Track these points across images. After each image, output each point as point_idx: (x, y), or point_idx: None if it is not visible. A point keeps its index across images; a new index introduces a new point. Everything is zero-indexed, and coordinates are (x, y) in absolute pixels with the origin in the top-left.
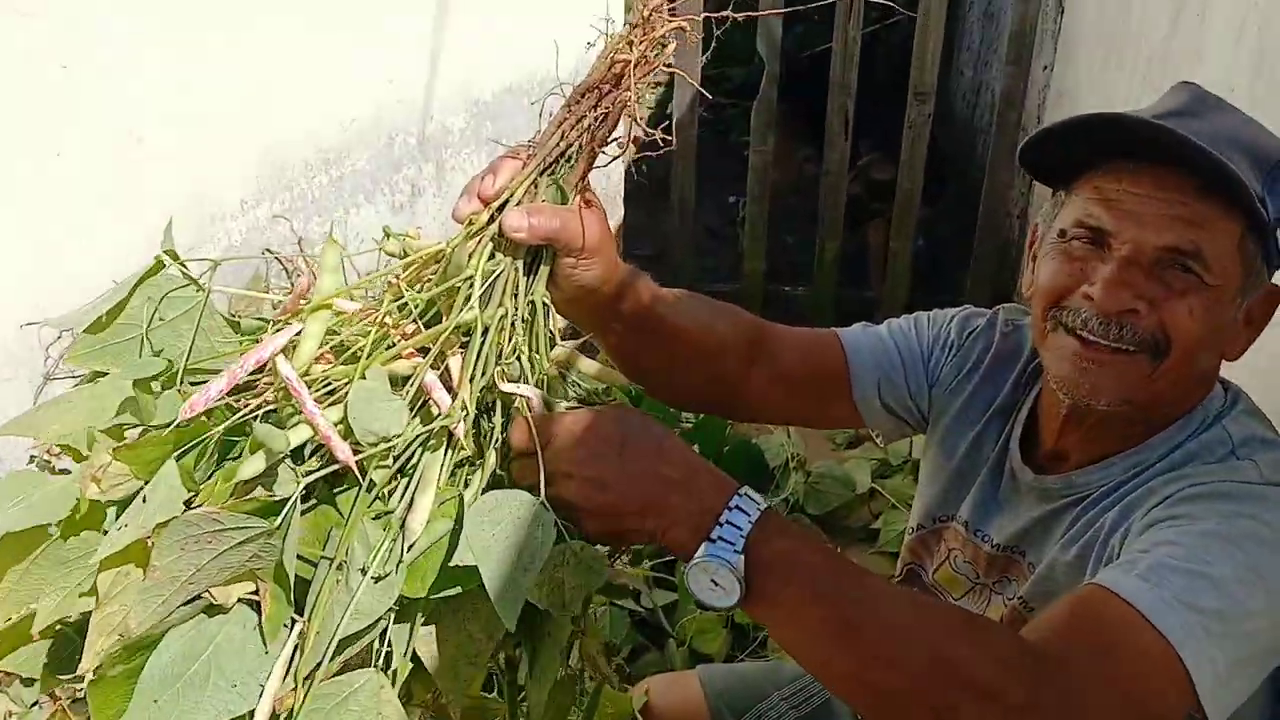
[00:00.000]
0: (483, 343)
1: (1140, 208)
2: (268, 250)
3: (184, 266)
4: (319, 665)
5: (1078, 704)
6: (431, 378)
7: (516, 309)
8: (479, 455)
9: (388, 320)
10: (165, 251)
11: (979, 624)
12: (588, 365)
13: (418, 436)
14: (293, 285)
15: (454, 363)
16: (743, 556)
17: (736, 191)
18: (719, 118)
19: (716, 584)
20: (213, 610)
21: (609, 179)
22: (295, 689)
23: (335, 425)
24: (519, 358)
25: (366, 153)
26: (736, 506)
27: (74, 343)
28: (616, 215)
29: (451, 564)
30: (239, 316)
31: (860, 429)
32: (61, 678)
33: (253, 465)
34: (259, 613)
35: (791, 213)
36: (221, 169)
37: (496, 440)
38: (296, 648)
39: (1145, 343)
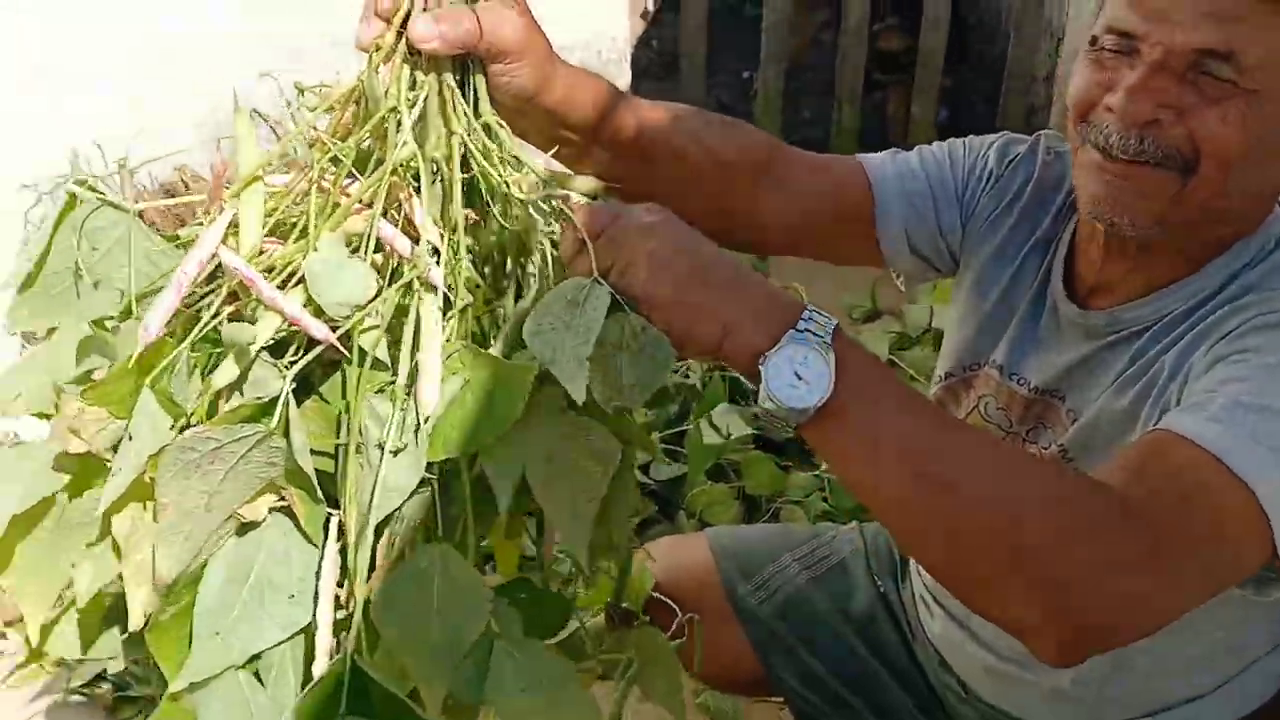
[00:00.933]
0: (437, 177)
1: (1169, 4)
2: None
3: (99, 192)
4: (372, 554)
5: (1160, 556)
6: (388, 229)
7: (469, 133)
8: (495, 296)
9: (327, 183)
10: (76, 181)
11: (1065, 469)
12: (583, 183)
13: (390, 292)
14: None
15: (413, 207)
16: (832, 351)
17: (750, 67)
18: None
19: (800, 377)
20: (244, 529)
21: (614, 41)
22: (353, 583)
23: (304, 308)
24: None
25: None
26: (813, 307)
27: (12, 305)
28: (623, 83)
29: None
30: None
31: (881, 268)
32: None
33: (227, 371)
34: (293, 519)
35: (807, 86)
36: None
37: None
38: (342, 543)
39: (1172, 157)
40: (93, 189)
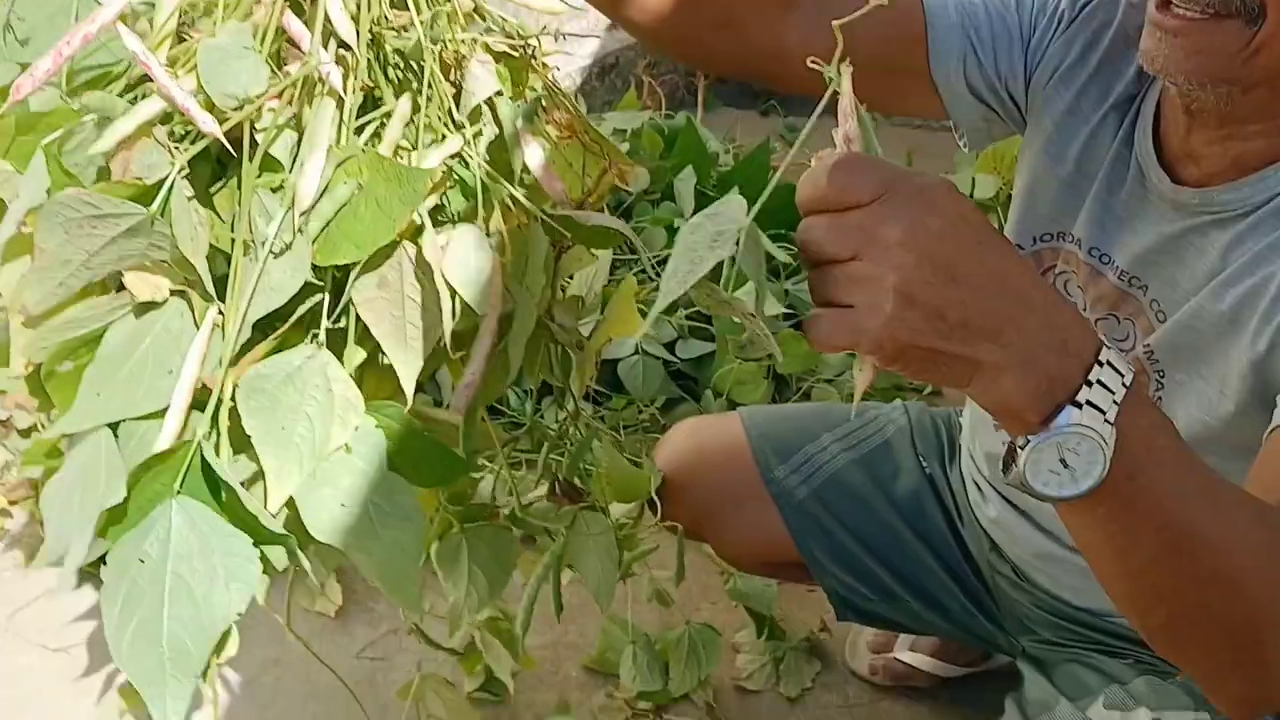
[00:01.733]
0: None
1: None
2: None
3: None
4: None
5: None
6: (295, 22)
7: None
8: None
9: None
10: None
11: None
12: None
13: (282, 90)
14: None
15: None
16: (1115, 429)
17: None
18: None
19: (1066, 464)
20: (147, 308)
21: None
22: (224, 370)
23: (196, 96)
24: None
25: None
26: (1108, 361)
27: None
28: None
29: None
30: None
31: (935, 118)
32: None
33: (105, 139)
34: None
35: None
36: None
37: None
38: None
39: (1230, 3)
40: None
